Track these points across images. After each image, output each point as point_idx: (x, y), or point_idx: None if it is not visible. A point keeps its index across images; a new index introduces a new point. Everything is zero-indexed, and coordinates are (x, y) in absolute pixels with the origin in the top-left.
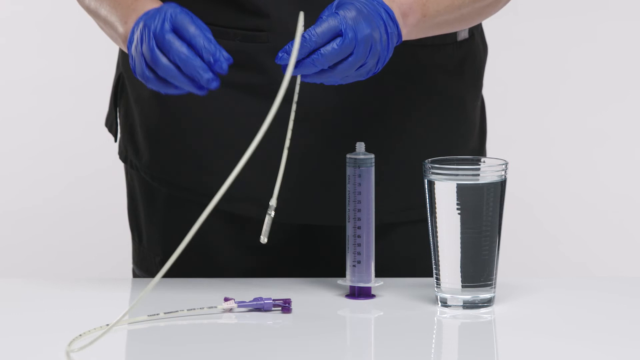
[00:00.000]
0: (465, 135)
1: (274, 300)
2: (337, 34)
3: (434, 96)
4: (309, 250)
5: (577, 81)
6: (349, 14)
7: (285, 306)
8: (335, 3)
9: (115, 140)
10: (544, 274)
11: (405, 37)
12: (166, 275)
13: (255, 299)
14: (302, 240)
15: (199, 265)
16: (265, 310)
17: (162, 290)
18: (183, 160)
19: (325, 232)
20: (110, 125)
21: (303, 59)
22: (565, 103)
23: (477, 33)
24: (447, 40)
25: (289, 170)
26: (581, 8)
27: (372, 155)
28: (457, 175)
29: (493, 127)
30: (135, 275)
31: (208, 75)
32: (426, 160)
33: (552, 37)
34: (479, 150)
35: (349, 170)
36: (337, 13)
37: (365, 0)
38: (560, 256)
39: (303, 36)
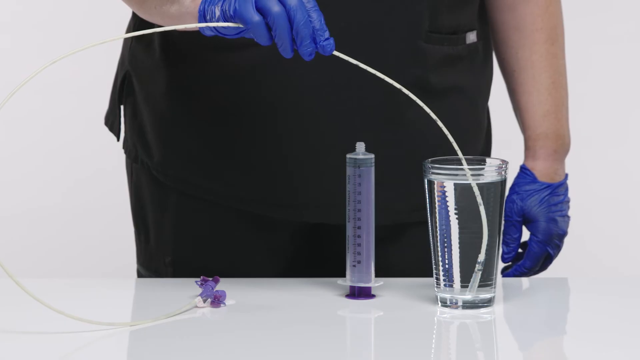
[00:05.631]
0: (476, 137)
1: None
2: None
3: (448, 96)
4: (318, 251)
5: (583, 81)
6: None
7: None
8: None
9: (118, 140)
10: (544, 273)
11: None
12: (174, 275)
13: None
14: (310, 240)
15: (209, 265)
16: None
17: (164, 290)
18: (197, 157)
19: (332, 232)
20: (112, 124)
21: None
22: (573, 104)
23: (484, 37)
24: (458, 43)
25: (298, 170)
26: (588, 10)
27: (372, 155)
28: (457, 175)
29: (494, 129)
30: (140, 275)
31: (312, 47)
32: (426, 160)
33: None
34: (486, 152)
35: (349, 170)
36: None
37: (544, 207)
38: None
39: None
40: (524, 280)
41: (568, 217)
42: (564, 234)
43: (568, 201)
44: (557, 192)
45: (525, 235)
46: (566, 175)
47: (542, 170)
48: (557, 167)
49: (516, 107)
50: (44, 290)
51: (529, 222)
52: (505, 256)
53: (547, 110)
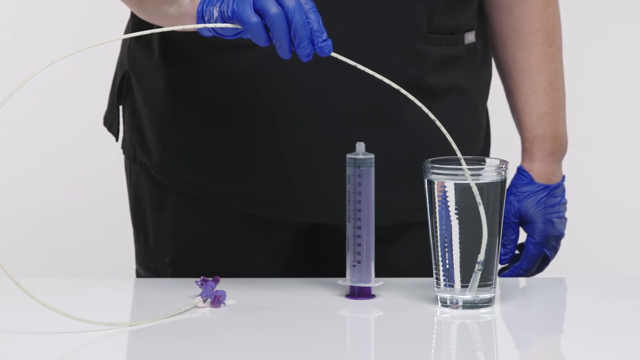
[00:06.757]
0: (475, 137)
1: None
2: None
3: (447, 97)
4: (317, 251)
5: (582, 82)
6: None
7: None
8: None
9: (117, 140)
10: (543, 273)
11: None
12: (173, 276)
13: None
14: (310, 240)
15: (208, 265)
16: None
17: (164, 290)
18: (195, 157)
19: (331, 232)
20: (111, 124)
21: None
22: (572, 104)
23: (483, 37)
24: (456, 43)
25: (297, 170)
26: (586, 9)
27: (372, 155)
28: (457, 175)
29: (493, 129)
30: (139, 276)
31: (310, 48)
32: (426, 160)
33: None
34: (485, 153)
35: (349, 170)
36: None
37: (541, 209)
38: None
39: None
40: (524, 280)
41: (565, 218)
42: (560, 235)
43: (565, 203)
44: (554, 193)
45: (522, 236)
46: (563, 177)
47: (539, 172)
48: (554, 168)
49: (513, 109)
50: (43, 290)
51: (526, 224)
52: (502, 257)
53: (545, 111)
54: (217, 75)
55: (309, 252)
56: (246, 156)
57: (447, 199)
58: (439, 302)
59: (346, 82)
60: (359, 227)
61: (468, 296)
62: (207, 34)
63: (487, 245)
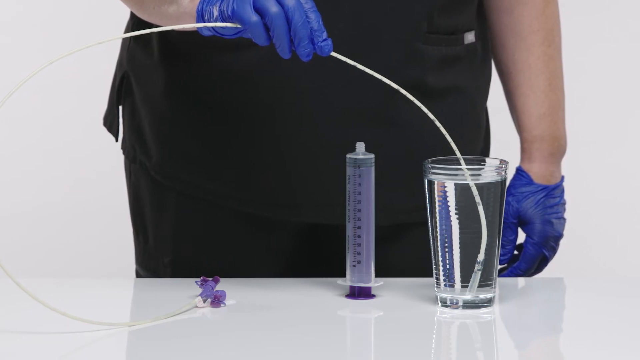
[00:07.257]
0: (475, 137)
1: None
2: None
3: (447, 97)
4: (317, 251)
5: (582, 82)
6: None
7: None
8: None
9: (117, 140)
10: (543, 273)
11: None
12: (173, 276)
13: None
14: (310, 240)
15: (208, 265)
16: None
17: (164, 290)
18: (195, 158)
19: (331, 232)
20: (110, 124)
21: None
22: (572, 104)
23: (483, 37)
24: (456, 43)
25: (297, 170)
26: (586, 10)
27: (372, 155)
28: (457, 175)
29: (493, 129)
30: (138, 276)
31: (310, 48)
32: (426, 160)
33: None
34: (484, 153)
35: (349, 170)
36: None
37: (540, 210)
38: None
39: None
40: (523, 280)
41: (564, 219)
42: (559, 236)
43: (564, 203)
44: (552, 194)
45: (521, 237)
46: (562, 178)
47: (538, 172)
48: (553, 169)
49: (512, 109)
50: (43, 290)
51: (525, 224)
52: (501, 258)
53: (544, 112)
54: (217, 75)
55: (308, 252)
56: (246, 156)
57: (447, 199)
58: (439, 302)
59: (346, 82)
60: (359, 227)
61: (468, 296)
62: (206, 33)
63: (487, 245)
